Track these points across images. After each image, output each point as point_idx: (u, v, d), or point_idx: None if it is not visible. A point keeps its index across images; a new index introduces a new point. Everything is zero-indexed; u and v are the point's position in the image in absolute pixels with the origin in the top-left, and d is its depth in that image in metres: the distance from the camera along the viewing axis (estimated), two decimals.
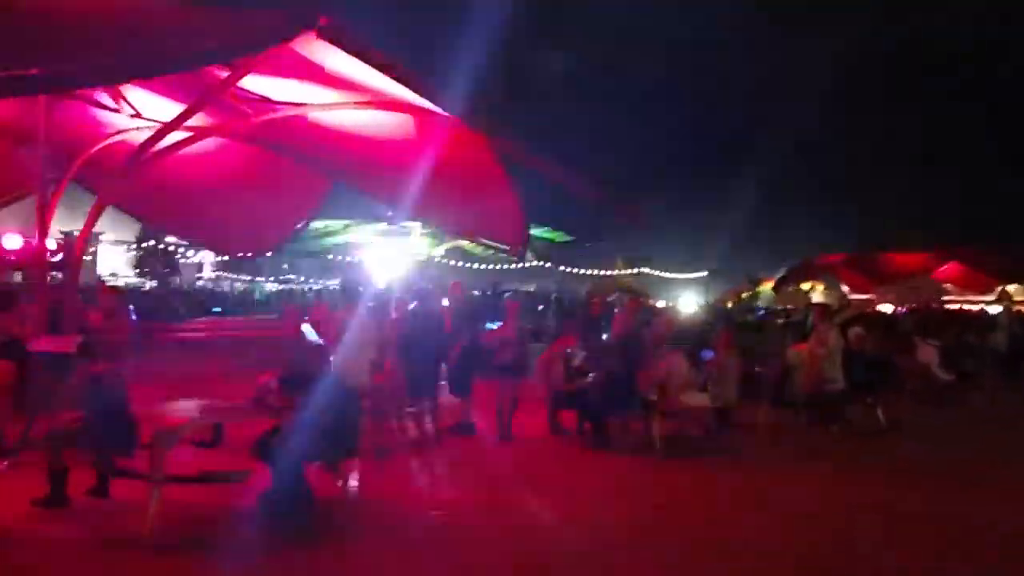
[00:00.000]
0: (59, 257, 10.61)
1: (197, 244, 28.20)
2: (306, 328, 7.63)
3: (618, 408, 9.01)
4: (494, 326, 10.76)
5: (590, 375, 9.24)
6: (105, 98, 11.59)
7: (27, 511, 5.88)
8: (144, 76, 8.87)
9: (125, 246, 50.50)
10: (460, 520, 6.36)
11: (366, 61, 8.73)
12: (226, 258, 43.32)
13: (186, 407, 6.10)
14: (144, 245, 44.93)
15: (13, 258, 11.00)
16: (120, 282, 41.73)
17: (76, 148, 12.09)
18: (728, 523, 6.52)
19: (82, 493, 6.10)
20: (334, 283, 50.80)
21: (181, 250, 44.01)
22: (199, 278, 53.88)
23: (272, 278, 58.03)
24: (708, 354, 10.39)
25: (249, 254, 26.58)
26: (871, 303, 24.62)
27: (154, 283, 43.89)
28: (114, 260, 51.03)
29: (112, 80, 9.12)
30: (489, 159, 11.89)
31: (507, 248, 16.39)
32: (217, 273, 56.44)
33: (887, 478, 8.11)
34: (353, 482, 6.44)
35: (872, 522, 6.61)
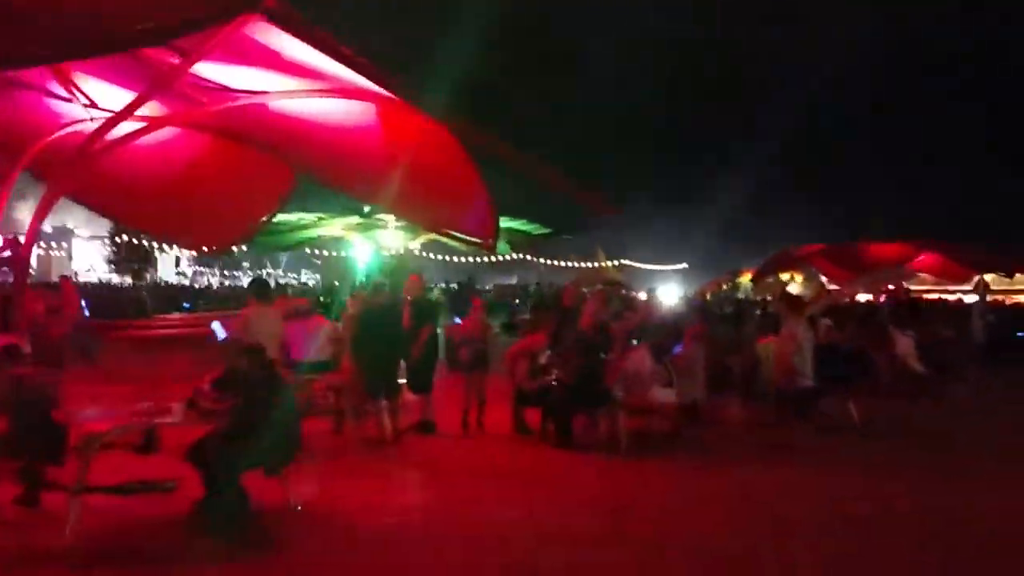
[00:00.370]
0: (7, 253, 10.17)
1: (157, 238, 27.68)
2: (215, 325, 7.34)
3: (583, 405, 8.76)
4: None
5: (554, 372, 8.98)
6: (58, 88, 11.19)
7: None
8: (75, 57, 8.43)
9: (101, 241, 49.88)
10: (413, 526, 6.10)
11: (315, 45, 8.40)
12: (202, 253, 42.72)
13: (112, 411, 5.78)
14: (118, 240, 44.44)
15: None
16: (94, 277, 41.22)
17: (28, 140, 11.68)
18: (693, 523, 6.30)
19: (9, 502, 5.78)
20: (313, 277, 50.49)
21: (157, 245, 43.46)
22: (179, 273, 53.40)
23: (251, 273, 57.54)
24: (679, 348, 10.15)
25: (211, 248, 26.09)
26: (849, 293, 24.53)
27: (128, 278, 43.39)
28: (93, 256, 50.39)
29: (40, 61, 8.69)
30: (455, 150, 11.61)
31: (478, 242, 16.05)
32: (194, 268, 55.93)
33: (863, 472, 7.94)
34: (299, 488, 6.14)
35: (848, 517, 6.43)
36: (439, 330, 12.90)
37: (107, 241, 47.76)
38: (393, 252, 26.78)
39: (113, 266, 47.30)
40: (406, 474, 7.81)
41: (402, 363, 9.27)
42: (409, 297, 9.83)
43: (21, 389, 5.51)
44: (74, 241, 49.10)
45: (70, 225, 46.62)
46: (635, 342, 9.61)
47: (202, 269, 56.33)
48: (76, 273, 37.20)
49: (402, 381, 9.36)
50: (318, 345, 8.90)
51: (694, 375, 9.71)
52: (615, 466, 8.04)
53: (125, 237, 44.14)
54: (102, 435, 5.32)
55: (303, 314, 9.29)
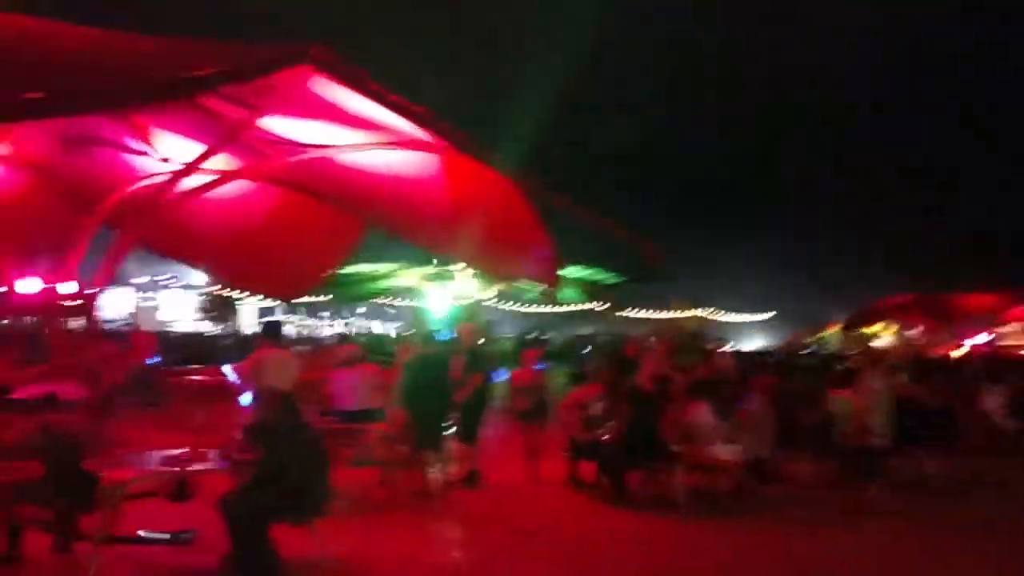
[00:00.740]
0: (77, 303, 10.52)
1: (232, 288, 28.50)
2: (226, 369, 7.34)
3: (639, 460, 8.37)
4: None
5: (607, 424, 8.64)
6: (134, 143, 11.63)
7: None
8: (129, 105, 8.68)
9: (193, 291, 51.81)
10: None
11: (366, 95, 8.53)
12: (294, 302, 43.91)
13: (139, 459, 5.77)
14: (208, 291, 46.03)
15: (26, 303, 10.94)
16: (179, 327, 42.63)
17: (104, 193, 12.14)
18: None
19: (42, 550, 5.76)
20: (393, 326, 51.21)
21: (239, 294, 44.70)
22: (261, 322, 54.94)
23: (335, 321, 58.76)
24: (747, 402, 9.68)
25: (282, 297, 26.66)
26: (935, 345, 23.31)
27: (217, 327, 44.78)
28: (183, 306, 52.31)
29: (102, 106, 9.01)
30: (517, 197, 11.58)
31: (544, 288, 15.92)
32: (286, 316, 57.53)
33: (934, 535, 7.32)
34: (335, 540, 5.96)
35: None
36: (502, 379, 12.69)
37: (198, 292, 49.59)
38: (466, 301, 26.89)
39: (202, 315, 48.99)
40: (451, 528, 7.57)
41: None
42: (463, 346, 9.69)
43: (55, 437, 5.54)
44: (167, 292, 51.12)
45: (164, 277, 48.65)
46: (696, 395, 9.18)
47: (289, 317, 57.81)
48: (162, 322, 38.61)
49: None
50: (366, 394, 8.80)
51: (760, 430, 9.20)
52: (672, 525, 7.62)
53: (215, 288, 45.66)
54: (126, 484, 5.29)
55: (352, 362, 9.24)
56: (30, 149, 10.81)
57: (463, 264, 23.93)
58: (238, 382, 7.28)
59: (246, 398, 7.38)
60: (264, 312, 57.12)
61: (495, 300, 29.62)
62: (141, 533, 5.78)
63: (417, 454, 8.38)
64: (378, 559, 6.25)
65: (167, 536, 5.52)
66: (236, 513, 5.20)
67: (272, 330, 9.40)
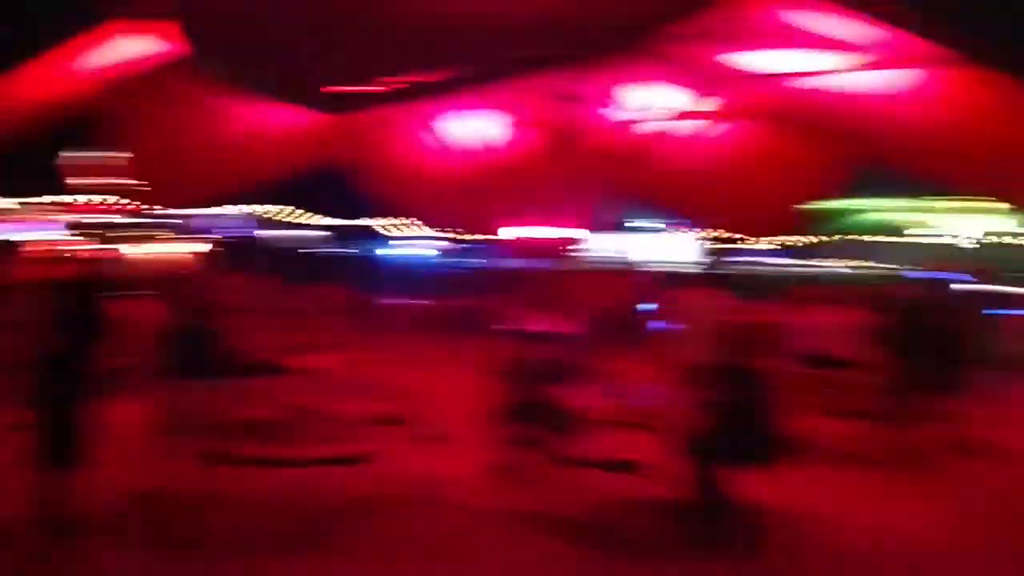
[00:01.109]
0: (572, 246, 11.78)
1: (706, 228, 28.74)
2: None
3: None
4: None
5: None
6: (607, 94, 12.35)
7: (482, 477, 6.23)
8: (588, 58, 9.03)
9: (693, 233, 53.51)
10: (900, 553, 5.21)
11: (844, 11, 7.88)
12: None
13: (613, 391, 6.15)
14: (704, 232, 47.20)
15: (531, 247, 12.36)
16: (673, 267, 44.45)
17: (581, 142, 13.03)
18: None
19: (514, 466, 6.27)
20: (896, 266, 46.74)
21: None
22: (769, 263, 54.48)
23: (826, 261, 55.52)
24: None
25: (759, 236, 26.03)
26: None
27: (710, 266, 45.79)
28: (680, 246, 54.34)
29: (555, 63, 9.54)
30: None
31: None
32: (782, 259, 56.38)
33: None
34: (787, 490, 5.65)
35: None
36: None
37: (697, 235, 51.12)
38: (996, 235, 23.56)
39: (701, 255, 50.44)
40: (927, 497, 6.41)
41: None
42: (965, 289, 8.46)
43: (530, 367, 6.15)
44: (667, 233, 53.56)
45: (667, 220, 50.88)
46: None
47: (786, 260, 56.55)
48: (657, 262, 40.34)
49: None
50: (842, 338, 8.15)
51: None
52: None
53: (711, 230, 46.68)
54: (588, 411, 5.73)
55: (824, 303, 8.68)
56: (532, 110, 12.22)
57: (984, 196, 20.94)
58: (664, 324, 7.33)
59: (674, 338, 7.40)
60: (753, 252, 56.79)
61: None
62: (597, 458, 6.19)
63: (902, 408, 7.48)
64: (835, 516, 5.78)
65: (621, 463, 5.84)
66: (692, 450, 5.25)
67: (706, 272, 9.31)
